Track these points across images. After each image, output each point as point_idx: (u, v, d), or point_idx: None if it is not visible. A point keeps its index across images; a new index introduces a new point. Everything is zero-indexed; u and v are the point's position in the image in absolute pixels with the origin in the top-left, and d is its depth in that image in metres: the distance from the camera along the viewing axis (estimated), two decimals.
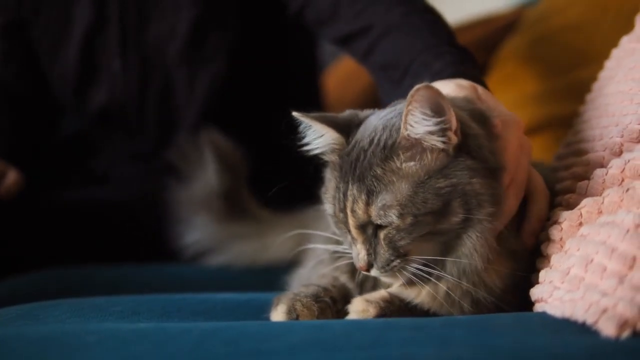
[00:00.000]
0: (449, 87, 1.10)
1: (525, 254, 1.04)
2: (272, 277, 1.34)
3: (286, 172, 1.68)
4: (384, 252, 0.97)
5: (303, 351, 0.76)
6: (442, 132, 0.93)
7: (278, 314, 1.00)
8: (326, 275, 1.10)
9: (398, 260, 0.97)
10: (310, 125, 1.03)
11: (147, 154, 1.91)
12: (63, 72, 1.86)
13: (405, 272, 0.98)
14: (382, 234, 0.96)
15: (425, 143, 0.94)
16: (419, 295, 1.01)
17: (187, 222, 1.66)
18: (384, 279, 1.02)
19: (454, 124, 0.93)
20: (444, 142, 0.94)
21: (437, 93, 0.91)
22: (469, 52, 1.30)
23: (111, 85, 1.84)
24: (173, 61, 1.80)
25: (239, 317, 1.07)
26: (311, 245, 1.16)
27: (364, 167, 0.96)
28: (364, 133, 1.00)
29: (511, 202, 1.01)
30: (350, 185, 0.97)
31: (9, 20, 1.89)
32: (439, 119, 0.92)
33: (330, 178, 1.03)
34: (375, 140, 0.97)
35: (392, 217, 0.94)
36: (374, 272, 0.99)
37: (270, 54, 1.89)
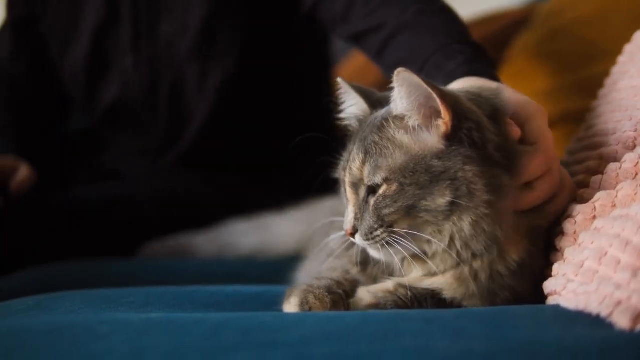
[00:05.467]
0: (462, 85, 1.10)
1: (540, 238, 1.04)
2: (283, 270, 1.34)
3: (296, 167, 1.69)
4: (369, 218, 0.99)
5: (316, 342, 0.76)
6: (425, 113, 0.97)
7: (291, 306, 1.00)
8: (337, 269, 1.10)
9: (381, 230, 0.99)
10: (347, 93, 1.10)
11: (156, 150, 1.91)
12: (74, 67, 1.86)
13: (388, 248, 0.99)
14: (372, 200, 0.99)
15: (410, 120, 0.98)
16: (440, 279, 1.02)
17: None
18: (371, 252, 1.03)
19: (443, 112, 0.95)
20: (423, 123, 0.97)
21: (418, 77, 0.94)
22: (483, 48, 1.29)
23: (122, 82, 1.84)
24: (184, 58, 1.81)
25: (250, 309, 1.06)
26: (326, 240, 1.16)
27: (368, 132, 1.02)
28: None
29: (543, 190, 1.02)
30: (354, 146, 1.03)
31: (20, 16, 1.90)
32: (417, 101, 0.96)
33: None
34: (384, 112, 1.03)
35: (379, 178, 0.98)
36: (358, 239, 1.01)
37: (282, 50, 1.89)
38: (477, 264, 1.00)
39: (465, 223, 0.96)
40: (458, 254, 0.98)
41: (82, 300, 1.08)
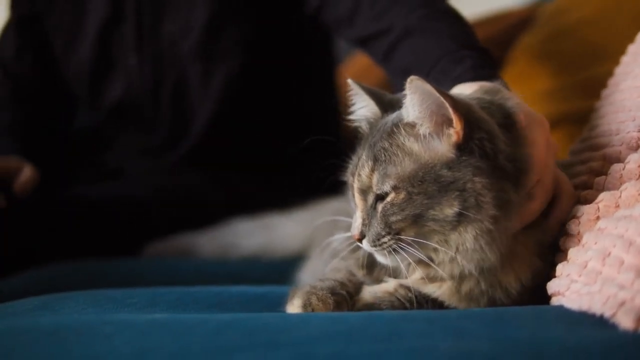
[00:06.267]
0: (470, 90, 1.10)
1: (549, 249, 1.04)
2: (287, 270, 1.35)
3: (299, 166, 1.69)
4: (377, 224, 0.99)
5: (319, 343, 0.76)
6: (437, 121, 0.96)
7: (294, 307, 1.00)
8: (340, 270, 1.10)
9: (389, 237, 0.98)
10: (358, 94, 1.09)
11: (160, 149, 1.91)
12: (78, 66, 1.86)
13: (395, 255, 0.99)
14: (380, 207, 0.99)
15: (421, 128, 0.97)
16: (439, 289, 1.02)
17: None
18: (378, 257, 1.02)
19: (455, 121, 0.95)
20: (434, 131, 0.96)
21: (430, 85, 0.94)
22: (489, 53, 1.29)
23: (126, 80, 1.84)
24: (188, 57, 1.81)
25: (254, 310, 1.06)
26: (328, 240, 1.16)
27: (378, 138, 1.01)
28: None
29: (536, 203, 1.01)
30: (363, 152, 1.03)
31: (24, 15, 1.90)
32: (429, 109, 0.96)
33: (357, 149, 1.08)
34: (394, 117, 1.02)
35: (388, 186, 0.97)
36: (365, 245, 1.01)
37: (286, 50, 1.89)
38: (466, 286, 1.00)
39: (469, 235, 0.95)
40: (460, 264, 0.98)
41: (86, 301, 1.08)
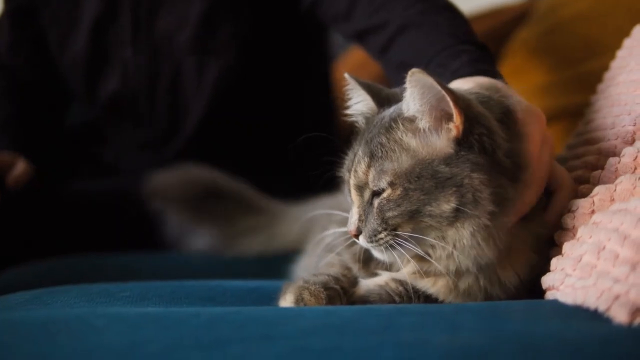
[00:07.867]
0: (468, 85, 1.10)
1: (546, 243, 1.03)
2: (281, 265, 1.34)
3: (294, 162, 1.69)
4: (373, 220, 0.98)
5: (313, 335, 0.76)
6: (436, 116, 0.96)
7: (286, 303, 1.00)
8: (334, 264, 1.10)
9: (385, 233, 0.98)
10: (354, 89, 1.08)
11: (156, 144, 1.91)
12: (73, 59, 1.85)
13: (392, 251, 0.98)
14: (376, 203, 0.98)
15: (420, 122, 0.97)
16: (433, 286, 1.01)
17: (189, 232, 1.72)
18: (375, 253, 1.02)
19: (455, 115, 0.94)
20: (433, 126, 0.96)
21: (432, 79, 0.93)
22: (487, 48, 1.29)
23: (122, 74, 1.83)
24: (183, 51, 1.80)
25: (247, 304, 1.06)
26: (322, 234, 1.15)
27: (375, 133, 1.00)
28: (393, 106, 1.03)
29: (529, 197, 1.01)
30: (360, 147, 1.02)
31: (19, 7, 1.89)
32: (429, 103, 0.95)
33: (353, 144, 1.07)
34: (392, 112, 1.01)
35: (384, 183, 0.97)
36: (361, 240, 1.01)
37: (281, 45, 1.88)
38: (464, 283, 1.00)
39: (466, 231, 0.95)
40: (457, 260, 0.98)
41: (78, 295, 1.07)
